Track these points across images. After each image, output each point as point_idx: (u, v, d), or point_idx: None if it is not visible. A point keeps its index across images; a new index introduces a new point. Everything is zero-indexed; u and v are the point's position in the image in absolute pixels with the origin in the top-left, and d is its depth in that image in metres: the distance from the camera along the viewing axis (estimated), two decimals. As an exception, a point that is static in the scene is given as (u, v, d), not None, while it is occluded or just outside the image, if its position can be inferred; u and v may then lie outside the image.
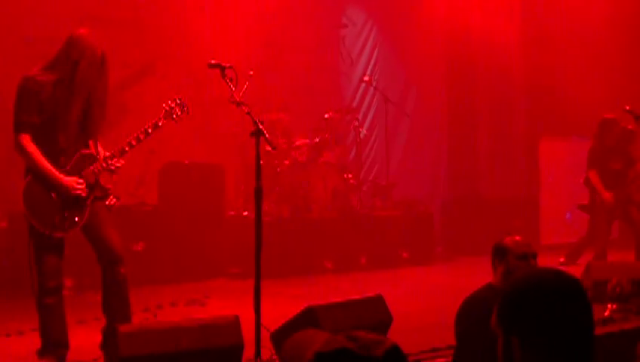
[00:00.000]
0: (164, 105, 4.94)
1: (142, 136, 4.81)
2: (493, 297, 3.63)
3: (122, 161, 4.83)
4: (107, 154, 4.81)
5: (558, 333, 1.87)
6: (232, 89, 4.68)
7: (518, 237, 3.78)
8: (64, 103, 4.63)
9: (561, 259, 8.91)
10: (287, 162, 9.35)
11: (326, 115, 9.84)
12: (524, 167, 11.86)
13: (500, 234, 3.97)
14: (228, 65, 4.74)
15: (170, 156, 9.36)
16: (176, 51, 9.80)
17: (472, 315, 3.67)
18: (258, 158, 4.55)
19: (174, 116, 4.93)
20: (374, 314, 4.88)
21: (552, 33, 11.83)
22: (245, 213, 8.97)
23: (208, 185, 9.04)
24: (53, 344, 4.73)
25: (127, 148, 4.80)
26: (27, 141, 4.59)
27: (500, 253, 3.75)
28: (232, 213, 9.33)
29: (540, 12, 11.91)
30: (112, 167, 4.79)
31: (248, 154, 9.37)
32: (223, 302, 7.12)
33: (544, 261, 7.60)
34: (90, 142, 4.84)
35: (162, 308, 6.82)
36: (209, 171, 9.19)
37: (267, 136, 4.55)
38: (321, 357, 1.61)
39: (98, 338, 4.94)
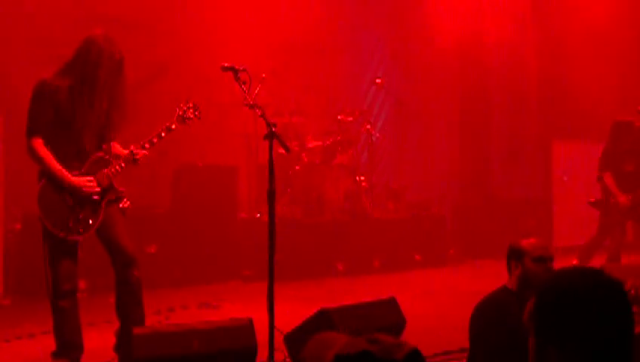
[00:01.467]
0: (177, 109, 4.95)
1: (155, 140, 4.83)
2: (509, 300, 3.62)
3: (145, 152, 4.83)
4: (126, 152, 4.82)
5: (598, 339, 1.79)
6: (245, 92, 4.68)
7: (534, 239, 3.72)
8: (82, 106, 4.63)
9: (575, 262, 8.86)
10: (299, 165, 9.35)
11: (338, 118, 9.84)
12: (536, 169, 11.81)
13: (514, 236, 3.93)
14: (241, 68, 4.75)
15: (183, 158, 9.38)
16: (189, 53, 9.82)
17: (486, 318, 3.64)
18: (271, 161, 4.55)
19: (187, 120, 4.94)
20: (388, 316, 4.88)
21: (564, 35, 11.78)
22: (258, 215, 8.97)
23: (221, 187, 9.05)
24: (68, 346, 4.75)
25: (139, 152, 4.81)
26: (39, 145, 4.60)
27: (515, 256, 3.69)
28: (245, 215, 9.33)
29: (552, 15, 11.86)
30: (137, 156, 4.79)
31: (261, 156, 9.39)
32: (235, 305, 7.12)
33: (558, 263, 7.58)
34: (104, 146, 4.84)
35: (175, 311, 6.84)
36: (222, 173, 9.20)
37: (281, 138, 4.55)
38: (342, 359, 1.61)
39: (112, 340, 4.95)
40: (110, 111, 4.75)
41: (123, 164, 4.79)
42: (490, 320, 3.61)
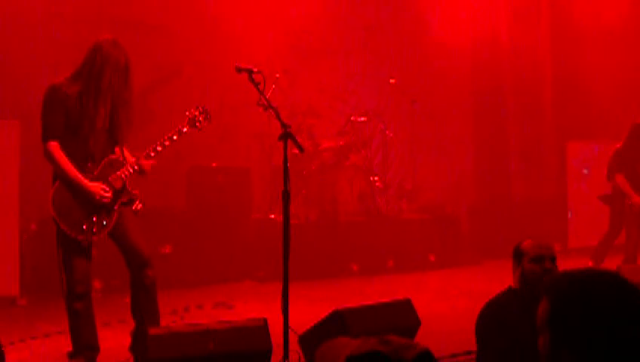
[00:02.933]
0: (187, 113, 4.96)
1: (167, 143, 4.85)
2: (510, 300, 3.62)
3: (153, 161, 4.86)
4: (133, 159, 4.84)
5: (612, 341, 1.76)
6: (260, 92, 4.69)
7: (533, 240, 3.74)
8: (90, 110, 4.68)
9: (590, 264, 8.82)
10: (313, 165, 9.36)
11: (352, 118, 9.84)
12: (551, 170, 11.76)
13: (528, 236, 3.94)
14: (256, 69, 4.76)
15: (197, 159, 9.41)
16: (203, 55, 9.85)
17: (492, 320, 3.65)
18: (286, 161, 4.56)
19: (197, 124, 4.95)
20: (402, 317, 4.87)
21: (579, 35, 11.71)
22: (272, 216, 8.99)
23: (235, 188, 9.07)
24: (84, 347, 4.78)
25: (152, 154, 4.84)
26: (55, 148, 4.64)
27: (516, 256, 3.74)
28: (259, 215, 9.35)
29: (567, 14, 11.79)
30: (145, 167, 4.82)
31: (275, 157, 9.40)
32: (250, 305, 7.14)
33: (572, 264, 7.54)
34: (117, 148, 4.88)
35: (190, 311, 6.86)
36: (235, 174, 9.23)
37: (295, 139, 4.56)
38: (353, 360, 1.61)
39: (127, 340, 4.98)
40: (116, 116, 4.78)
41: (136, 167, 4.81)
42: (496, 322, 3.62)
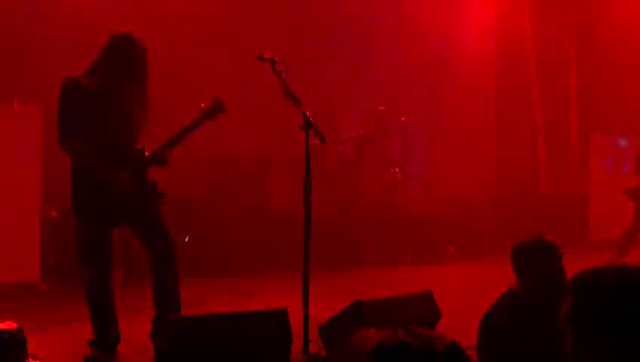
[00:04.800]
0: (202, 104, 4.94)
1: (184, 134, 4.84)
2: (517, 305, 3.54)
3: (172, 152, 4.86)
4: (154, 149, 4.84)
5: (635, 337, 1.76)
6: (282, 82, 4.67)
7: (543, 239, 3.65)
8: (109, 103, 4.68)
9: (612, 257, 8.74)
10: (333, 156, 9.34)
11: (373, 109, 9.81)
12: (574, 163, 11.67)
13: (548, 229, 3.88)
14: (278, 58, 4.73)
15: (217, 150, 9.42)
16: (222, 45, 9.84)
17: (495, 327, 3.58)
18: (307, 152, 4.55)
19: (212, 115, 4.93)
20: (423, 309, 4.86)
21: (606, 27, 11.56)
22: (291, 207, 8.98)
23: (254, 178, 9.09)
24: (104, 335, 4.82)
25: (170, 145, 4.83)
26: (73, 140, 4.63)
27: (535, 258, 3.65)
28: (278, 205, 9.35)
29: (592, 8, 11.64)
30: (165, 159, 4.81)
31: (294, 147, 9.37)
32: (270, 295, 7.14)
33: (594, 257, 7.48)
34: (137, 141, 4.88)
35: (210, 300, 6.87)
36: (255, 165, 9.24)
37: (318, 128, 4.54)
38: (383, 348, 1.60)
39: (148, 327, 4.99)
40: (135, 108, 4.78)
41: (156, 159, 4.80)
42: (495, 328, 3.57)
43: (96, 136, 4.67)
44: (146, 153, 4.82)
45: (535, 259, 3.58)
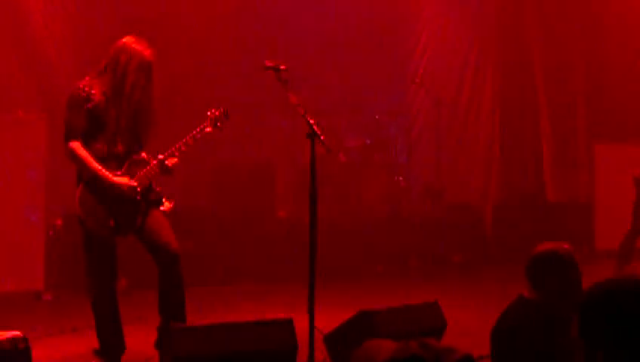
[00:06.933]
0: (208, 113, 4.94)
1: (190, 142, 4.83)
2: (530, 312, 3.52)
3: (176, 160, 4.85)
4: (160, 156, 4.83)
5: None
6: (287, 91, 4.66)
7: (561, 245, 3.63)
8: (115, 110, 4.68)
9: (614, 264, 8.69)
10: (337, 164, 9.33)
11: (377, 117, 9.81)
12: (578, 171, 11.61)
13: (554, 238, 3.85)
14: (283, 66, 4.73)
15: (221, 157, 9.42)
16: (226, 53, 9.84)
17: (507, 334, 3.55)
18: (313, 161, 4.52)
19: (218, 124, 4.93)
20: (429, 319, 4.83)
21: (612, 35, 11.51)
22: (296, 215, 8.97)
23: (259, 186, 9.07)
24: (109, 345, 4.81)
25: (176, 153, 4.82)
26: (77, 146, 4.63)
27: (553, 265, 3.63)
28: (283, 214, 9.33)
29: (600, 14, 11.58)
30: (170, 167, 4.80)
31: (299, 155, 9.39)
32: (274, 304, 7.11)
33: (599, 266, 7.45)
34: (141, 148, 4.87)
35: (214, 309, 6.85)
36: (259, 172, 9.23)
37: (322, 138, 4.52)
38: (396, 362, 1.59)
39: (153, 336, 4.97)
40: (140, 115, 4.78)
41: (159, 168, 4.79)
42: (508, 335, 3.54)
43: (100, 142, 4.67)
44: (152, 161, 4.81)
45: (557, 269, 3.53)
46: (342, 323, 4.69)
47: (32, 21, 8.91)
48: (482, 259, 9.75)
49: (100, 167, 4.63)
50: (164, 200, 4.90)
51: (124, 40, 4.76)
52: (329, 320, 5.04)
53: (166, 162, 4.79)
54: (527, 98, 11.49)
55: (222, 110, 4.95)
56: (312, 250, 4.47)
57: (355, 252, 8.90)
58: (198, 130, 4.85)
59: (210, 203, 8.99)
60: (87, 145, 4.67)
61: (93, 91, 4.67)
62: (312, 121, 4.56)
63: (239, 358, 4.26)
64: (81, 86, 4.69)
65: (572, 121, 11.72)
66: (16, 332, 4.19)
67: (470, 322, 6.17)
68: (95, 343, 4.87)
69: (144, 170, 4.77)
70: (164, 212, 4.89)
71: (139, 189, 4.72)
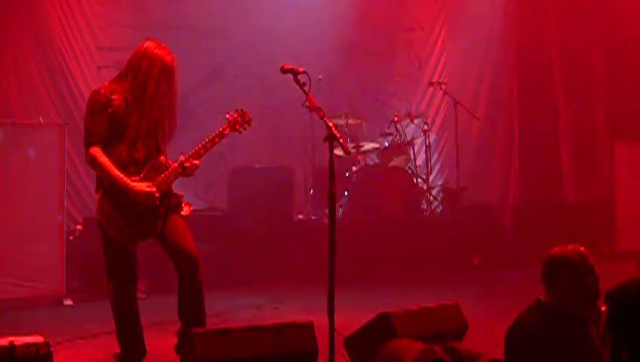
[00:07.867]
0: (227, 116, 4.94)
1: (209, 145, 4.82)
2: (548, 317, 3.48)
3: (197, 162, 4.85)
4: (182, 158, 4.83)
5: None
6: (305, 94, 4.64)
7: (579, 248, 3.59)
8: (136, 115, 4.68)
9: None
10: (356, 166, 9.31)
11: (395, 119, 9.78)
12: (599, 170, 11.51)
13: (574, 239, 3.81)
14: (301, 69, 4.71)
15: (240, 160, 9.44)
16: (245, 56, 9.87)
17: (523, 339, 3.51)
18: (332, 164, 4.49)
19: (237, 127, 4.93)
20: (449, 321, 4.80)
21: (633, 35, 11.37)
22: (313, 217, 8.96)
23: (277, 188, 9.08)
24: (130, 350, 4.81)
25: (195, 156, 4.82)
26: (98, 153, 4.63)
27: (569, 270, 3.59)
28: (301, 216, 9.33)
29: (619, 15, 11.46)
30: (189, 170, 4.80)
31: (317, 158, 9.38)
32: (294, 307, 7.11)
33: (621, 266, 7.37)
34: (161, 153, 4.88)
35: (234, 313, 6.85)
36: (278, 175, 9.24)
37: (341, 141, 4.50)
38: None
39: (173, 340, 4.98)
40: (160, 120, 4.79)
41: (180, 170, 4.79)
42: (524, 340, 3.50)
43: (120, 147, 4.68)
44: (171, 165, 4.82)
45: (570, 270, 3.51)
46: (362, 326, 4.66)
47: (52, 29, 9.00)
48: (502, 261, 9.68)
49: (119, 174, 4.63)
50: (183, 204, 4.91)
51: (145, 45, 4.75)
52: (349, 322, 5.02)
53: (185, 165, 4.79)
54: (547, 97, 11.40)
55: (241, 113, 4.95)
56: (332, 252, 4.44)
57: (373, 253, 8.87)
58: (217, 133, 4.86)
59: (228, 206, 9.00)
60: (107, 150, 4.67)
61: (113, 96, 4.67)
62: (330, 124, 4.54)
63: (260, 362, 4.25)
64: (102, 91, 4.70)
65: (592, 120, 11.61)
66: (39, 338, 4.22)
67: (491, 325, 6.13)
68: (116, 347, 4.88)
69: (163, 175, 4.77)
70: (183, 216, 4.89)
71: (158, 195, 4.72)
